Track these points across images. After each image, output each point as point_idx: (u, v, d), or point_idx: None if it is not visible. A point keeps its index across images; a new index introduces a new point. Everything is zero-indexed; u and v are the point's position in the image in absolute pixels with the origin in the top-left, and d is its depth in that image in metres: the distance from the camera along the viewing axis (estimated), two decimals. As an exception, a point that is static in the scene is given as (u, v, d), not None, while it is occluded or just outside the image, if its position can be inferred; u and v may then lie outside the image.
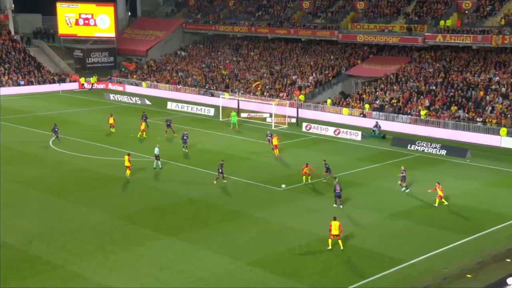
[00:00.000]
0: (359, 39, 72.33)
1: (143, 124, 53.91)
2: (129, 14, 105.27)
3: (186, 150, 48.13)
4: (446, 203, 36.36)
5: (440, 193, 36.09)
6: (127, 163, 40.63)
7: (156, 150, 43.33)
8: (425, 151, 50.07)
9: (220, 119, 62.55)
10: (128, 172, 40.78)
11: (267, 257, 28.92)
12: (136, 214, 34.38)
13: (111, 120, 55.34)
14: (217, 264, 28.06)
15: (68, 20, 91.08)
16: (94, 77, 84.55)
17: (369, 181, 41.48)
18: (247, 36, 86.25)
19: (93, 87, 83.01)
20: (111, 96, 76.31)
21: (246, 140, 54.14)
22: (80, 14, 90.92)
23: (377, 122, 57.06)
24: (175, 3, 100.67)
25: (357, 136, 54.84)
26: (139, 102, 73.21)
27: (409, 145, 51.28)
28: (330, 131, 56.61)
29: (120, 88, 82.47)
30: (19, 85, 79.31)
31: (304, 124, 58.71)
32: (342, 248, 29.52)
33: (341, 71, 72.50)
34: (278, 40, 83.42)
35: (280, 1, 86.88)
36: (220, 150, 49.51)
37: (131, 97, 74.82)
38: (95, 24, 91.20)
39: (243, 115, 64.09)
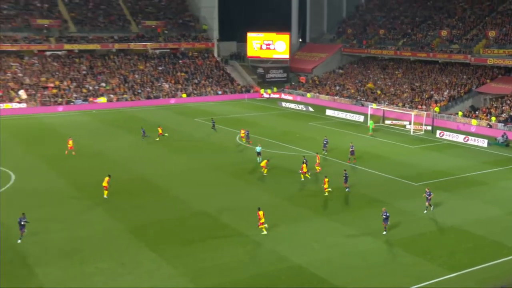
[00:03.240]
0: (489, 62, 67.05)
1: (243, 131, 51.22)
2: (300, 40, 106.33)
3: (326, 153, 45.94)
4: (309, 177, 34.60)
5: (305, 169, 34.17)
6: (263, 164, 39.76)
7: (259, 149, 42.91)
8: (546, 158, 45.52)
9: (368, 125, 61.04)
10: (265, 171, 39.56)
11: (403, 239, 27.93)
12: (297, 197, 34.59)
13: (159, 130, 51.60)
14: (361, 242, 27.55)
15: (254, 45, 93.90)
16: (271, 89, 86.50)
17: (493, 182, 38.48)
18: (393, 58, 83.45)
19: (270, 97, 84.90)
20: (283, 103, 77.44)
21: (387, 142, 52.51)
22: (263, 41, 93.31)
23: (504, 132, 52.71)
24: (336, 32, 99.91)
25: (483, 143, 50.98)
26: (304, 109, 73.70)
27: (531, 153, 46.84)
28: (460, 138, 53.18)
29: (290, 97, 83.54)
30: (217, 94, 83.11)
31: (438, 131, 55.64)
32: (265, 232, 28.28)
33: (472, 88, 67.72)
34: (419, 62, 79.72)
35: (422, 30, 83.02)
36: (365, 150, 48.48)
37: (298, 105, 75.49)
38: (274, 48, 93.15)
39: (387, 122, 62.14)
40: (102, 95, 74.52)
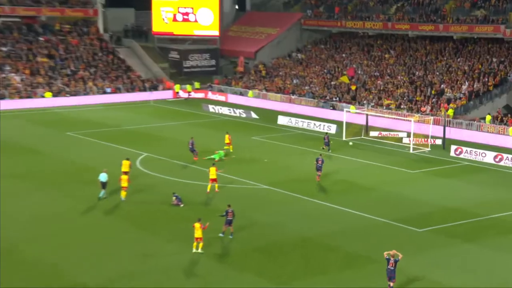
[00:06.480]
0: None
1: (227, 136, 54.53)
2: (236, 7, 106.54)
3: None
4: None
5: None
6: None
7: (104, 177, 42.23)
8: None
9: (344, 139, 60.99)
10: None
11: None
12: (235, 255, 33.61)
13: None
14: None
15: (164, 16, 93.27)
16: (192, 84, 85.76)
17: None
18: (381, 34, 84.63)
19: (189, 96, 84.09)
20: (211, 107, 76.99)
21: (374, 165, 52.29)
22: (178, 8, 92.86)
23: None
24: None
25: (525, 164, 51.79)
26: (244, 115, 73.21)
27: None
28: (488, 157, 53.68)
29: (221, 98, 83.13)
30: (105, 92, 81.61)
31: (453, 147, 56.02)
32: None
33: (507, 78, 68.90)
34: (422, 39, 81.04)
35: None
36: (342, 177, 48.09)
37: (235, 109, 75.00)
38: (195, 20, 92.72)
39: (372, 133, 62.23)
40: None
